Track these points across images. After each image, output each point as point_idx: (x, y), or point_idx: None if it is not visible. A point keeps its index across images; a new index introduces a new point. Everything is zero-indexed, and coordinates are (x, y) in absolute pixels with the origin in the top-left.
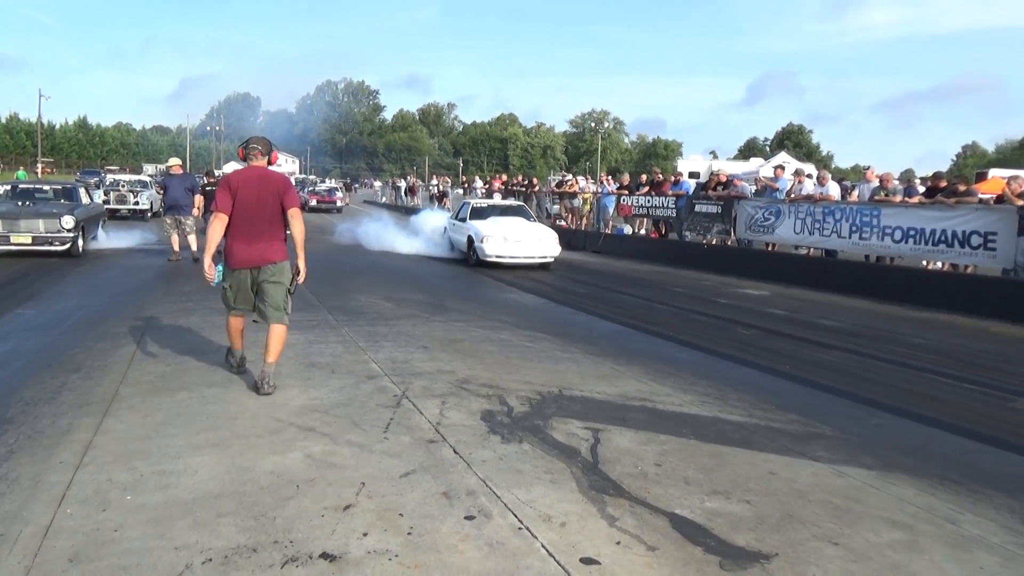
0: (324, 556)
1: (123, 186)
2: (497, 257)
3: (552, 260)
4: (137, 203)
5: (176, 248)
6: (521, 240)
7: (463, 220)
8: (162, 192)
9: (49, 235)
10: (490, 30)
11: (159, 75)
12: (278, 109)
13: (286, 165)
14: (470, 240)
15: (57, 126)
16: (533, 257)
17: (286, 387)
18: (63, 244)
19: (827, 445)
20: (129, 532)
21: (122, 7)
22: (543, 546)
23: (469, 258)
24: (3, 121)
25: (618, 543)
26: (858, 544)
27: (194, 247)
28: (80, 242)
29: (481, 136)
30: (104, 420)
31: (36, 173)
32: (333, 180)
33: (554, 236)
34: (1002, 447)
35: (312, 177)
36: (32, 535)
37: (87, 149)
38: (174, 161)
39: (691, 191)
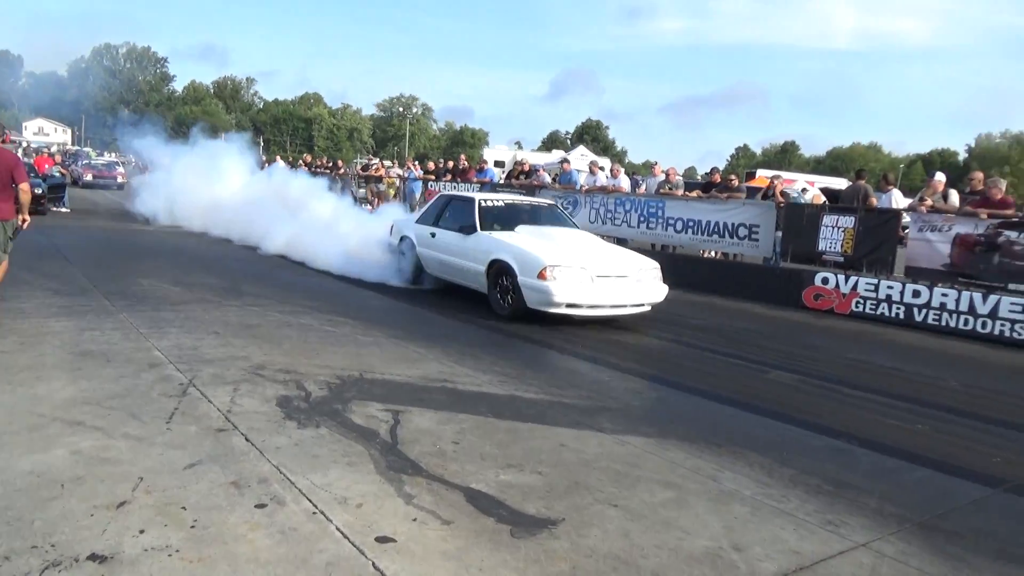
0: (93, 558)
1: None
2: (569, 307)
3: (650, 308)
4: None
5: None
6: (609, 275)
7: (469, 230)
8: None
9: None
10: (294, 2)
11: None
12: (45, 71)
13: (54, 135)
14: (502, 271)
15: None
16: (625, 306)
17: (50, 378)
18: None
19: (612, 417)
20: None
21: None
22: (337, 528)
23: (501, 304)
24: None
25: (414, 520)
26: (635, 505)
27: None
28: None
29: (284, 115)
30: None
31: None
32: (114, 154)
33: (656, 268)
34: (757, 412)
35: (87, 150)
36: None
37: None
38: None
39: (495, 179)
